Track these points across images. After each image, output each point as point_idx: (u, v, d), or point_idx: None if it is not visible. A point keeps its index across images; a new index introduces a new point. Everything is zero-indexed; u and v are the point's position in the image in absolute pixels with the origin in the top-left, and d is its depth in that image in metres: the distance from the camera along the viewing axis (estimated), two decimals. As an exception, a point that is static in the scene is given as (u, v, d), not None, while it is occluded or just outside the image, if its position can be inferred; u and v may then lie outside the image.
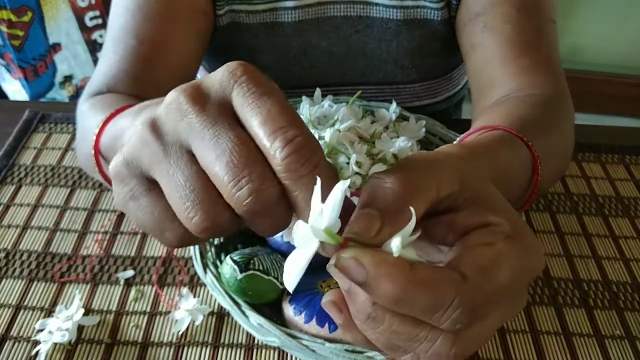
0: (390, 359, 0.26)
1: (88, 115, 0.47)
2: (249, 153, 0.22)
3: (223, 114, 0.23)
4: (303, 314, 0.41)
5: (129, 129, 0.30)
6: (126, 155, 0.25)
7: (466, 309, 0.22)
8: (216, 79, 0.24)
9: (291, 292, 0.24)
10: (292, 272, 0.22)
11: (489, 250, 0.24)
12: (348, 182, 0.21)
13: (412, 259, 0.22)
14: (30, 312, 0.47)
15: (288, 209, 0.24)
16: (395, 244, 0.22)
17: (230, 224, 0.23)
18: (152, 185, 0.24)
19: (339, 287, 0.43)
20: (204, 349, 0.44)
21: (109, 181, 0.41)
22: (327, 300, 0.25)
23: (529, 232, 0.26)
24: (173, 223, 0.24)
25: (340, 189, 0.21)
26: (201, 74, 0.76)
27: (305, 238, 0.23)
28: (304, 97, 0.57)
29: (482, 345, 0.25)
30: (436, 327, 0.23)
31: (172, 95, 0.24)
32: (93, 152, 0.40)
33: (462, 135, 0.43)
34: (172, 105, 0.24)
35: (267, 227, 0.24)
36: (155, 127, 0.24)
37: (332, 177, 0.23)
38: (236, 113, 0.23)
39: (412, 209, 0.22)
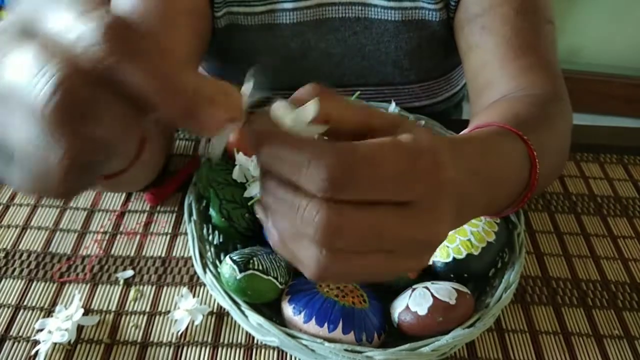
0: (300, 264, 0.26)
1: None
2: (45, 52, 0.18)
3: (19, 36, 0.20)
4: (302, 314, 0.41)
5: None
6: None
7: (330, 170, 0.22)
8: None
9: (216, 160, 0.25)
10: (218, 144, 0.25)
11: (373, 140, 0.24)
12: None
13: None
14: (30, 312, 0.47)
15: (124, 103, 0.19)
16: (289, 117, 0.24)
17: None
18: None
19: (337, 286, 0.43)
20: (203, 348, 0.44)
21: None
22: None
23: (434, 154, 0.25)
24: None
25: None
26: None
27: None
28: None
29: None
30: (310, 193, 0.23)
31: None
32: None
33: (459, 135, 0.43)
34: None
35: (111, 131, 0.19)
36: None
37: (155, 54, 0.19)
38: (33, 32, 0.20)
39: (316, 99, 0.24)
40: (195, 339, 0.45)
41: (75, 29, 0.18)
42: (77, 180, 0.20)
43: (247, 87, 0.25)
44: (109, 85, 0.18)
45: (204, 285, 0.48)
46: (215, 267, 0.44)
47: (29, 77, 0.18)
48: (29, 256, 0.52)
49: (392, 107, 0.58)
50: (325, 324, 0.40)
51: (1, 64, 0.20)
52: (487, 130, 0.40)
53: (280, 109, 0.24)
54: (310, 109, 0.24)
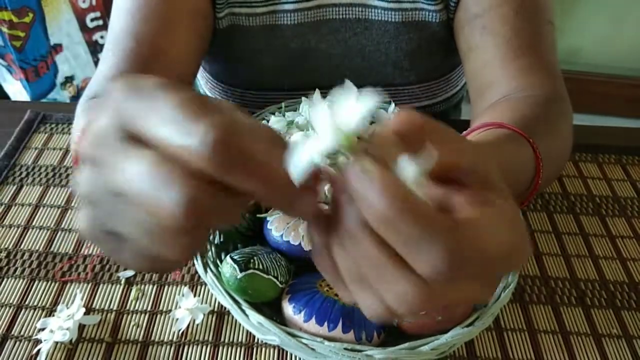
0: (349, 300, 0.24)
1: (80, 118, 0.48)
2: (159, 169, 0.20)
3: (117, 148, 0.21)
4: (302, 313, 0.41)
5: None
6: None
7: (448, 257, 0.20)
8: (100, 114, 0.22)
9: (297, 182, 0.22)
10: (301, 160, 0.22)
11: (490, 217, 0.22)
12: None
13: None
14: (32, 311, 0.47)
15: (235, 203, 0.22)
16: (409, 171, 0.22)
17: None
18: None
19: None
20: (204, 347, 0.45)
21: None
22: (310, 219, 0.24)
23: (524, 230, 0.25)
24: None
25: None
26: (201, 76, 0.77)
27: (323, 133, 0.23)
28: (303, 98, 0.57)
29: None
30: (411, 269, 0.21)
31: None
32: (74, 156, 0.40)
33: (465, 132, 0.43)
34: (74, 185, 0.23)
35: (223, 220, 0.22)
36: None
37: (280, 145, 0.22)
38: (137, 136, 0.21)
39: (434, 150, 0.22)
40: (196, 337, 0.45)
41: (184, 139, 0.20)
42: (188, 257, 0.23)
43: (365, 108, 0.23)
44: (222, 186, 0.21)
45: (205, 284, 0.49)
46: (216, 266, 0.44)
47: (152, 186, 0.20)
48: (30, 256, 0.52)
49: (391, 108, 0.59)
50: (325, 323, 0.40)
51: (113, 166, 0.21)
52: (498, 133, 0.40)
53: (407, 166, 0.22)
54: (429, 160, 0.22)
